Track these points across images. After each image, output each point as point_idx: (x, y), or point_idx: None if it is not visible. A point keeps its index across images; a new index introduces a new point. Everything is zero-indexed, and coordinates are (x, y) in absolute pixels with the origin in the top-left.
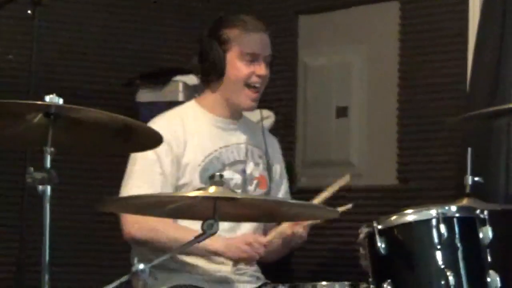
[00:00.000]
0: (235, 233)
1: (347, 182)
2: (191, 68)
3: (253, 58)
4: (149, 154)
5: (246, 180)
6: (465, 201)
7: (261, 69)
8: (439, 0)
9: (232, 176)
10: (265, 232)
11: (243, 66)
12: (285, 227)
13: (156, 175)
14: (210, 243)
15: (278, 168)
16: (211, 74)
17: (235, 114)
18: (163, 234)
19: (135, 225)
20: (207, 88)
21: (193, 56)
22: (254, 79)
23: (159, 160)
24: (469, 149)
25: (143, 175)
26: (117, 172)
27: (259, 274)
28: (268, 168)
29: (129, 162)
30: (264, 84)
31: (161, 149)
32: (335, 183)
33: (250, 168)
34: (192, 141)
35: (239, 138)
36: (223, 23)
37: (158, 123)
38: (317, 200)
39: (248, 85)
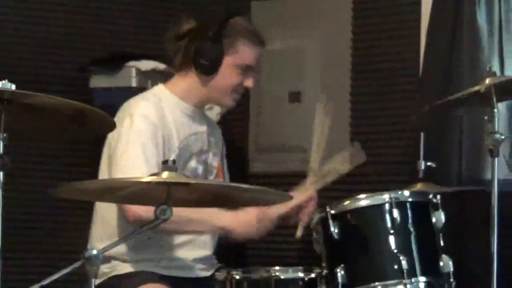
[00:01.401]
0: None
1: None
2: (146, 53)
3: (247, 70)
4: (151, 133)
5: (207, 170)
6: (418, 186)
7: (250, 82)
8: None
9: (196, 165)
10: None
11: (236, 75)
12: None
13: (156, 152)
14: (220, 218)
15: (224, 157)
16: (203, 68)
17: (201, 105)
18: (185, 215)
19: (141, 207)
20: (184, 75)
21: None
22: (241, 89)
23: (153, 136)
24: (422, 134)
25: (148, 153)
26: (71, 157)
27: (215, 261)
28: (221, 157)
29: (116, 139)
30: None
31: (153, 131)
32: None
33: (210, 158)
34: (170, 126)
35: (203, 127)
36: (234, 26)
37: (142, 109)
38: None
39: (234, 91)
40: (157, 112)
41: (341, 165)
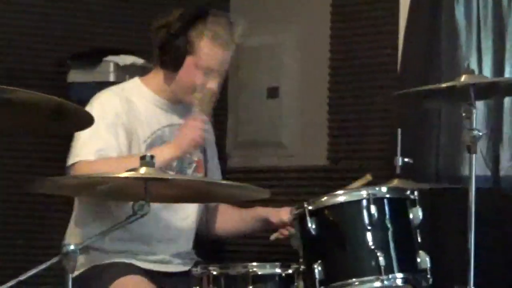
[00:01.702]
0: (176, 213)
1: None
2: (126, 48)
3: (209, 72)
4: (110, 119)
5: (183, 163)
6: (395, 182)
7: (213, 84)
8: None
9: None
10: (209, 216)
11: (197, 75)
12: None
13: (112, 140)
14: (162, 157)
15: (213, 151)
16: (166, 63)
17: (175, 99)
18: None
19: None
20: (156, 70)
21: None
22: (204, 90)
23: (112, 131)
24: (399, 130)
25: (104, 139)
26: (49, 152)
27: (194, 256)
28: (204, 151)
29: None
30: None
31: (114, 120)
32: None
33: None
34: (139, 117)
35: (180, 120)
36: (197, 25)
37: (106, 98)
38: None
39: (195, 90)
40: (120, 103)
41: None
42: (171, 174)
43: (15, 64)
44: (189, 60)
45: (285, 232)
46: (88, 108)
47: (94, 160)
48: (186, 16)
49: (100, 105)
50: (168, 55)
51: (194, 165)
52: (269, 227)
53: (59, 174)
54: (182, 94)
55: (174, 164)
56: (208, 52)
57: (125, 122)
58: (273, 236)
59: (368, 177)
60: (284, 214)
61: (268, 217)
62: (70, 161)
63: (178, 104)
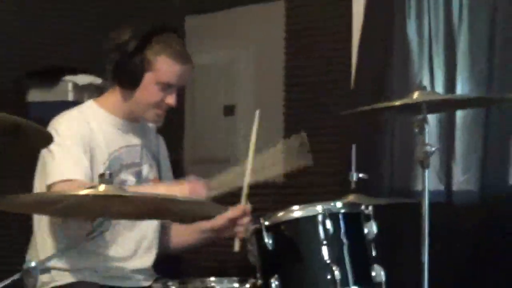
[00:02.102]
0: (133, 230)
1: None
2: (83, 67)
3: (167, 87)
4: (75, 141)
5: (141, 182)
6: (350, 197)
7: (171, 98)
8: (323, 1)
9: (126, 178)
10: (163, 232)
11: (156, 92)
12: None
13: (81, 154)
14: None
15: (166, 166)
16: (124, 82)
17: (131, 118)
18: None
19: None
20: (112, 89)
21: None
22: (163, 106)
23: (80, 150)
24: (353, 146)
25: (71, 157)
26: (6, 171)
27: (153, 272)
28: (159, 169)
29: (45, 156)
30: None
31: (79, 141)
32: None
33: (145, 170)
34: (97, 140)
35: (136, 140)
36: (152, 42)
37: (66, 123)
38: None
39: (156, 107)
40: (79, 126)
41: (273, 166)
42: (128, 191)
43: None
44: (147, 77)
45: (240, 232)
46: (52, 133)
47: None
48: (141, 34)
49: (66, 128)
50: (125, 74)
51: (150, 183)
52: (218, 234)
53: (16, 192)
54: (141, 112)
55: (132, 184)
56: (167, 68)
57: (86, 144)
58: (236, 246)
59: (303, 135)
60: (226, 216)
61: (212, 225)
62: (56, 178)
63: (135, 123)
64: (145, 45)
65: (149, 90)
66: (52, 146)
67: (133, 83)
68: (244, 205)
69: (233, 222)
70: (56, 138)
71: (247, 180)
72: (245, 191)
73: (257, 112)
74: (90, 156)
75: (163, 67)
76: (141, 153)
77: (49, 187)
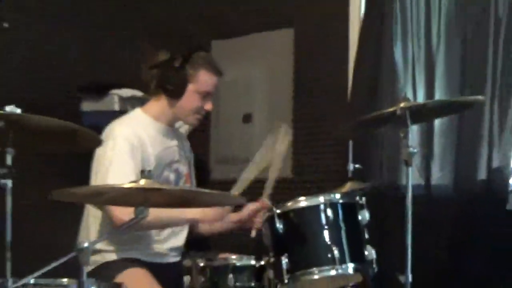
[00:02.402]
0: None
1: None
2: (126, 83)
3: (206, 95)
4: (130, 150)
5: (178, 177)
6: (348, 184)
7: (209, 105)
8: (325, 29)
9: (168, 175)
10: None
11: (197, 99)
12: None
13: (129, 160)
14: (187, 213)
15: (192, 165)
16: (170, 93)
17: (172, 123)
18: (163, 214)
19: (124, 211)
20: (157, 99)
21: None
22: (202, 111)
23: (135, 157)
24: (350, 141)
25: (129, 166)
26: (63, 168)
27: (184, 250)
28: (190, 166)
29: (103, 156)
30: None
31: (133, 148)
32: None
33: (181, 167)
34: (146, 145)
35: (173, 142)
36: (192, 59)
37: (121, 130)
38: (267, 190)
39: (196, 112)
40: (134, 134)
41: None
42: (164, 185)
43: (39, 95)
44: (190, 88)
45: (258, 222)
46: (111, 139)
47: None
48: (181, 53)
49: (123, 137)
50: (171, 86)
51: (184, 177)
52: (242, 225)
53: (74, 185)
54: (184, 116)
55: (172, 179)
56: (206, 78)
57: (136, 149)
58: (253, 234)
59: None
60: (247, 208)
61: (238, 218)
62: (109, 181)
63: (172, 128)
64: (187, 62)
65: (191, 98)
66: (108, 151)
67: (178, 93)
68: (265, 201)
69: (255, 214)
70: (113, 146)
71: (271, 181)
72: (268, 191)
73: (283, 126)
74: (141, 159)
75: (203, 79)
76: (177, 152)
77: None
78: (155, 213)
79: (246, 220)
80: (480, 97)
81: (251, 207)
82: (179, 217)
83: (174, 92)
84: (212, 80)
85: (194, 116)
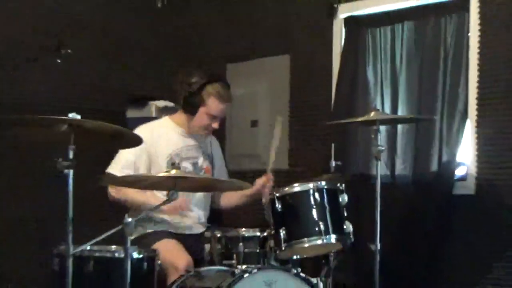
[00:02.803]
0: (195, 198)
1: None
2: (161, 96)
3: (214, 117)
4: (134, 150)
5: (196, 169)
6: (330, 177)
7: (216, 124)
8: (314, 55)
9: (186, 166)
10: (216, 197)
11: (206, 119)
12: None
13: (132, 161)
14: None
15: (220, 161)
16: (187, 110)
17: (192, 131)
18: (130, 196)
19: (114, 190)
20: (181, 112)
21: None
22: (210, 128)
23: (136, 155)
24: (333, 144)
25: (127, 160)
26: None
27: (206, 223)
28: (212, 161)
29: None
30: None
31: (141, 147)
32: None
33: (200, 161)
34: (163, 143)
35: (194, 142)
36: (206, 88)
37: (141, 130)
38: (270, 165)
39: (206, 128)
40: (149, 133)
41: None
42: (190, 174)
43: (93, 105)
44: (201, 110)
45: (267, 192)
46: None
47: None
48: (201, 80)
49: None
50: (188, 106)
51: (203, 170)
52: (254, 197)
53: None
54: (196, 130)
55: (189, 169)
56: (214, 106)
57: (148, 148)
58: (263, 200)
59: (279, 119)
60: (256, 185)
61: (249, 193)
62: (110, 170)
63: (192, 133)
64: (203, 89)
65: (202, 118)
66: None
67: (193, 112)
68: (269, 174)
69: (264, 186)
70: None
71: (272, 158)
72: (270, 165)
73: (280, 118)
74: (152, 154)
75: (212, 105)
76: (197, 150)
77: (106, 172)
78: (127, 193)
79: (257, 193)
80: (432, 117)
81: (259, 181)
82: (142, 201)
83: (189, 111)
84: (219, 107)
85: (204, 130)
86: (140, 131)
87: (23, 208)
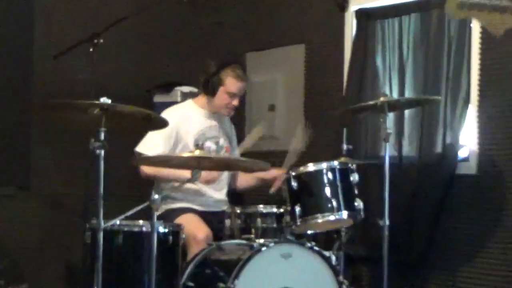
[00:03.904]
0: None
1: (259, 134)
2: (186, 82)
3: (233, 95)
4: (165, 130)
5: (219, 148)
6: (342, 159)
7: (236, 102)
8: (327, 45)
9: (210, 145)
10: (233, 178)
11: (226, 98)
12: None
13: (165, 140)
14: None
15: (235, 142)
16: (208, 92)
17: (214, 112)
18: (162, 171)
19: (146, 167)
20: (203, 95)
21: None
22: (230, 106)
23: (166, 134)
24: (345, 129)
25: (158, 140)
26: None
27: (227, 201)
28: (230, 141)
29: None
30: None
31: (171, 127)
32: (250, 135)
33: (221, 141)
34: (190, 123)
35: (216, 122)
36: (224, 69)
37: (172, 111)
38: (239, 150)
39: (227, 107)
40: (178, 114)
41: (297, 145)
42: (212, 154)
43: (124, 90)
44: (221, 89)
45: (277, 184)
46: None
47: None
48: (219, 65)
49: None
50: (209, 88)
51: (224, 149)
52: (266, 182)
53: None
54: (218, 109)
55: (213, 148)
56: (233, 84)
57: (177, 129)
58: (271, 190)
59: (259, 129)
60: (272, 172)
61: (264, 177)
62: (139, 149)
63: (214, 114)
64: (221, 71)
65: (222, 97)
66: None
67: (213, 92)
68: (284, 170)
69: (277, 177)
70: None
71: (290, 160)
72: (291, 162)
73: (301, 125)
74: (180, 134)
75: (230, 84)
76: (218, 130)
77: (135, 151)
78: (158, 169)
79: (270, 179)
80: (438, 97)
81: (274, 172)
82: (177, 175)
83: (210, 92)
84: (237, 85)
85: (226, 109)
86: (170, 112)
87: (64, 185)
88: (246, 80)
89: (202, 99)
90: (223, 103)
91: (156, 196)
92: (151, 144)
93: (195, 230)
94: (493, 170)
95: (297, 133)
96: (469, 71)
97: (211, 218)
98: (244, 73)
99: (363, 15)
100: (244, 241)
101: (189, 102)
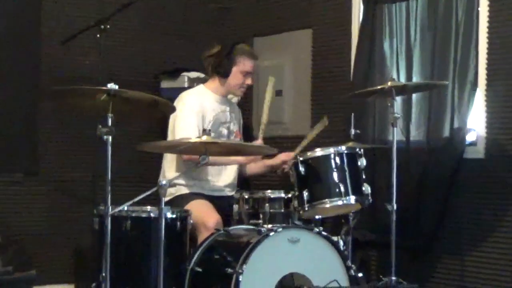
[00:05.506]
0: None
1: (325, 125)
2: (193, 67)
3: (246, 74)
4: (194, 110)
5: (230, 133)
6: (350, 143)
7: (250, 81)
8: (334, 30)
9: (222, 130)
10: (240, 171)
11: (241, 78)
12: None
13: (197, 121)
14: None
15: (241, 126)
16: (221, 73)
17: (225, 95)
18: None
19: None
20: (213, 78)
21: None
22: (244, 85)
23: (197, 115)
24: (352, 114)
25: (192, 121)
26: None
27: (235, 186)
28: (239, 126)
29: (176, 117)
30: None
31: (196, 110)
32: (314, 129)
33: (232, 125)
34: (206, 108)
35: (227, 107)
36: (237, 49)
37: (191, 96)
38: (298, 149)
39: (241, 86)
40: (197, 101)
41: (312, 132)
42: (219, 139)
43: (131, 76)
44: (235, 69)
45: (285, 168)
46: (181, 102)
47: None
48: (230, 45)
49: (190, 102)
50: (222, 68)
51: (234, 134)
52: (274, 168)
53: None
54: (232, 89)
55: (225, 133)
56: (245, 62)
57: (200, 111)
58: (279, 172)
59: (324, 121)
60: (279, 157)
61: (271, 163)
62: (181, 135)
63: (225, 98)
64: (232, 51)
65: (236, 77)
66: (179, 113)
67: (226, 73)
68: (293, 154)
69: (285, 162)
70: (182, 107)
71: (305, 142)
72: (301, 147)
73: (272, 79)
74: (202, 117)
75: (243, 62)
76: (230, 115)
77: (180, 139)
78: (215, 158)
79: (278, 166)
80: (445, 82)
81: (281, 157)
82: (231, 160)
83: (224, 73)
84: (250, 62)
85: (240, 89)
86: (190, 97)
87: (72, 171)
88: (257, 58)
89: (213, 83)
90: (238, 83)
91: (164, 182)
92: (192, 127)
93: (206, 216)
94: (501, 154)
95: (318, 125)
96: (477, 55)
97: (221, 203)
98: (254, 51)
99: None
100: (252, 226)
101: (201, 87)
